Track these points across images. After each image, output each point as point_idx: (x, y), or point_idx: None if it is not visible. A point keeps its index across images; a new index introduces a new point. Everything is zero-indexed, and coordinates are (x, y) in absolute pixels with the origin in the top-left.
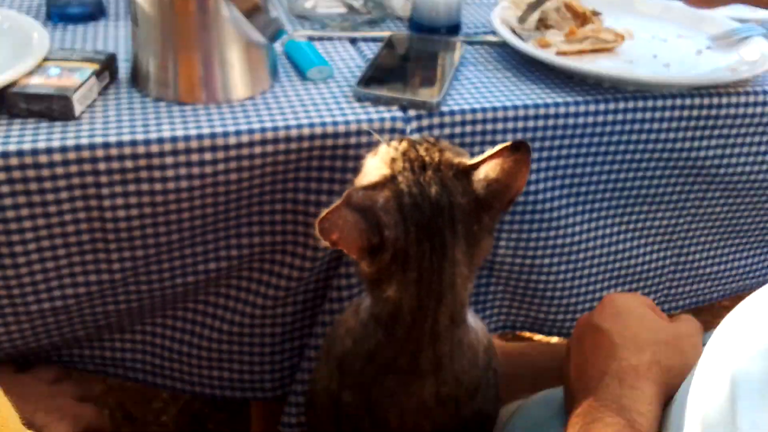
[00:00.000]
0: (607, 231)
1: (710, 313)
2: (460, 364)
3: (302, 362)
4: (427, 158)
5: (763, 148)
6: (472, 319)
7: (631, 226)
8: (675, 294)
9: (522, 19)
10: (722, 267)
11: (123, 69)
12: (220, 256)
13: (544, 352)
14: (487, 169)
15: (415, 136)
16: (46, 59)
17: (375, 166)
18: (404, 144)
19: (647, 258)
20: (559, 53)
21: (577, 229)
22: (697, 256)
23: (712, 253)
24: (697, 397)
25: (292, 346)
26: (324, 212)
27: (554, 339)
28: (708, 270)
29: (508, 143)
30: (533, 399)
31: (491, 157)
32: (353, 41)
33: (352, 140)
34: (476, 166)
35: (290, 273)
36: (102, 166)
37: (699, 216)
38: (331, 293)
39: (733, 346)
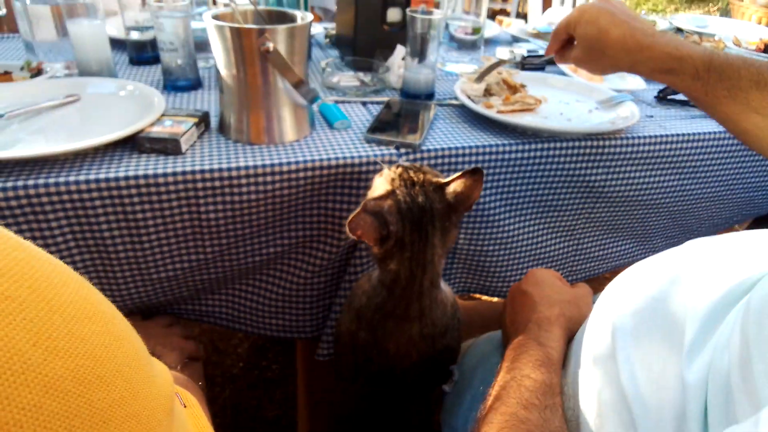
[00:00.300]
0: (531, 228)
1: (597, 281)
2: (436, 313)
3: (330, 314)
4: (415, 178)
5: (632, 173)
6: (444, 285)
7: (546, 225)
8: (574, 270)
9: (477, 81)
10: (605, 252)
11: (213, 122)
12: (276, 243)
13: (488, 307)
14: (455, 185)
15: (406, 162)
16: (163, 115)
17: (380, 184)
18: (400, 169)
19: (556, 246)
20: (499, 112)
21: (511, 227)
22: (589, 245)
23: (598, 243)
24: (589, 339)
25: (324, 303)
26: (350, 217)
27: (495, 299)
28: (596, 254)
29: (469, 168)
30: (481, 338)
31: (458, 177)
32: (364, 104)
33: (363, 169)
34: (448, 183)
35: (322, 255)
36: (200, 185)
37: (590, 219)
38: (349, 269)
39: (614, 305)
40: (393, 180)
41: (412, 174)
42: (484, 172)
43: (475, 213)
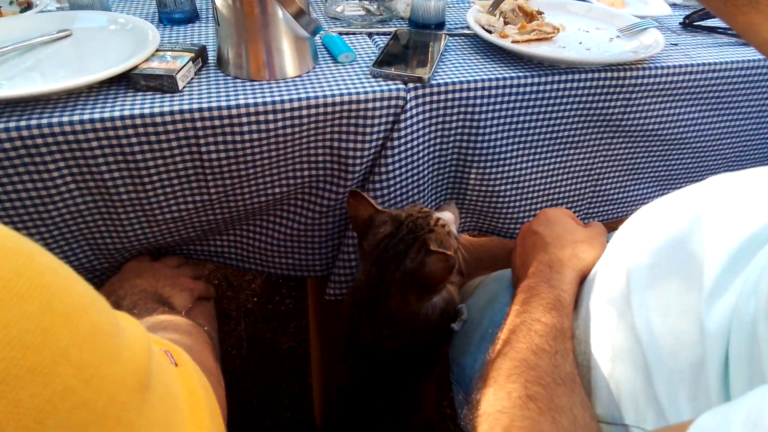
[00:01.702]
0: (544, 167)
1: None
2: (412, 323)
3: (340, 254)
4: (419, 226)
5: (654, 107)
6: (437, 297)
7: (562, 165)
8: (591, 213)
9: (491, 11)
10: (625, 194)
11: (211, 56)
12: (281, 184)
13: (498, 245)
14: (434, 256)
15: (442, 219)
16: (158, 50)
17: (403, 211)
18: (438, 220)
19: (573, 187)
20: (514, 42)
21: (523, 165)
22: (608, 187)
23: (618, 185)
24: (602, 281)
25: (333, 244)
26: (362, 194)
27: None
28: (615, 196)
29: (446, 256)
30: (490, 276)
31: (437, 252)
32: (370, 35)
33: (370, 105)
34: (432, 251)
35: (329, 195)
36: (199, 123)
37: (609, 158)
38: None
39: (629, 245)
40: (410, 215)
41: (426, 222)
42: (494, 109)
43: (485, 151)
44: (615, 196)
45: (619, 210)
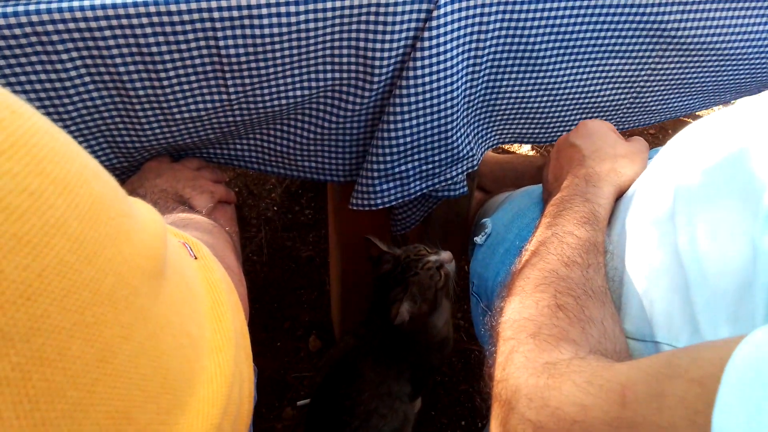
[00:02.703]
0: (585, 76)
1: (643, 136)
2: (417, 336)
3: (365, 164)
4: (409, 267)
5: (716, 14)
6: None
7: (604, 74)
8: (623, 120)
9: None
10: (665, 106)
11: None
12: (303, 86)
13: (523, 161)
14: (403, 305)
15: (430, 262)
16: None
17: (404, 251)
18: (417, 257)
19: (611, 97)
20: None
21: (562, 72)
22: (648, 98)
23: (660, 97)
24: (643, 197)
25: (358, 150)
26: (372, 239)
27: (530, 153)
28: (653, 108)
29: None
30: (518, 191)
31: (404, 303)
32: None
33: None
34: (403, 301)
35: (354, 99)
36: (216, 14)
37: (656, 70)
38: (386, 117)
39: (678, 162)
40: (408, 258)
41: (421, 272)
42: (540, 7)
43: (522, 57)
44: (654, 107)
45: (652, 119)
